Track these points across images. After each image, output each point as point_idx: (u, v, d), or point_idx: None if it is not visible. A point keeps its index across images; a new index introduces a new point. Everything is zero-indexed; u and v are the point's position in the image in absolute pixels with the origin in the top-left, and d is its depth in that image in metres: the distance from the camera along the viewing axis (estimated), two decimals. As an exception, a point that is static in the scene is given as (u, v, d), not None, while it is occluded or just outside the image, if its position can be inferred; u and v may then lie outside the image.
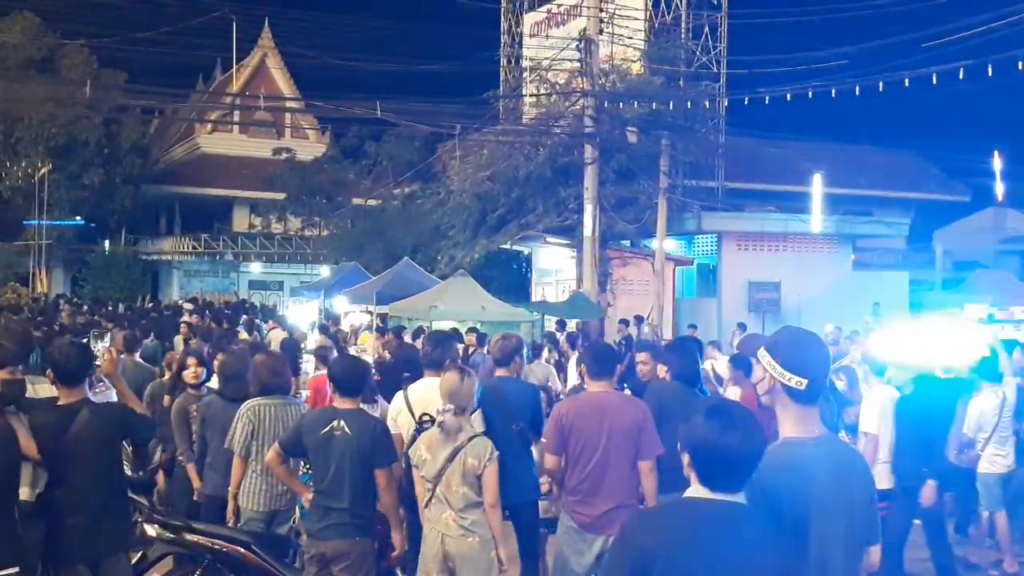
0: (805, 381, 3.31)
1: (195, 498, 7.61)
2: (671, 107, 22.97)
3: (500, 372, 7.06)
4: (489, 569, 5.69)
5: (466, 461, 5.62)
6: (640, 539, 2.98)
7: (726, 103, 27.62)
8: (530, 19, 31.74)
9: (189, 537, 6.54)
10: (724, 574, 2.85)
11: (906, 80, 17.76)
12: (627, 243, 25.04)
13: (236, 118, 43.35)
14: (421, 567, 5.78)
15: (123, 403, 5.85)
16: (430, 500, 5.72)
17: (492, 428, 6.20)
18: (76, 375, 5.51)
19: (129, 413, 5.71)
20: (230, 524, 6.86)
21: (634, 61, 25.73)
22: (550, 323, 20.32)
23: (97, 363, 6.11)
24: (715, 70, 27.75)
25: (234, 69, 47.22)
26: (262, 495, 6.75)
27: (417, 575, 5.85)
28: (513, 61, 31.33)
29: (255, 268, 45.19)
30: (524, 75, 28.90)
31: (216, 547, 6.50)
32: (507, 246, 26.48)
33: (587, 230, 22.69)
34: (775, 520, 3.06)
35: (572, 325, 19.76)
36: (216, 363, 8.29)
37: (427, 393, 6.57)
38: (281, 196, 41.78)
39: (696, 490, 3.00)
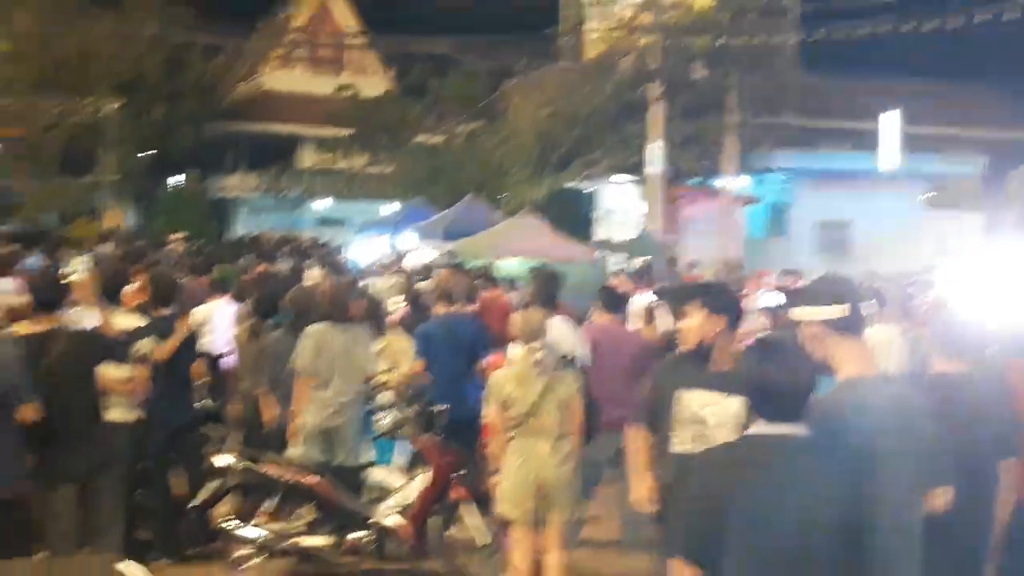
0: (847, 307, 3.35)
1: (265, 428, 7.71)
2: (740, 42, 22.45)
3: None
4: (576, 494, 6.00)
5: (559, 391, 5.82)
6: (706, 478, 3.04)
7: (798, 38, 26.90)
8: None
9: (261, 468, 6.62)
10: (789, 503, 2.87)
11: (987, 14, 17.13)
12: (695, 181, 24.69)
13: (300, 55, 43.35)
14: (510, 498, 5.83)
15: (97, 328, 5.91)
16: (517, 433, 5.84)
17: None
18: (51, 302, 5.62)
19: (104, 338, 5.75)
20: (291, 441, 7.01)
21: (703, -6, 25.17)
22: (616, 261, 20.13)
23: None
24: (786, 3, 27.05)
25: (296, 4, 47.11)
26: (320, 413, 6.96)
27: (501, 504, 5.85)
28: (578, -5, 30.76)
29: (321, 205, 45.41)
30: (587, 10, 28.38)
31: (287, 478, 6.57)
32: (572, 184, 26.24)
33: (653, 168, 22.39)
34: (842, 456, 3.06)
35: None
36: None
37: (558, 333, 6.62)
38: (346, 133, 41.81)
39: (756, 426, 3.04)
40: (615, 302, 7.90)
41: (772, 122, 26.55)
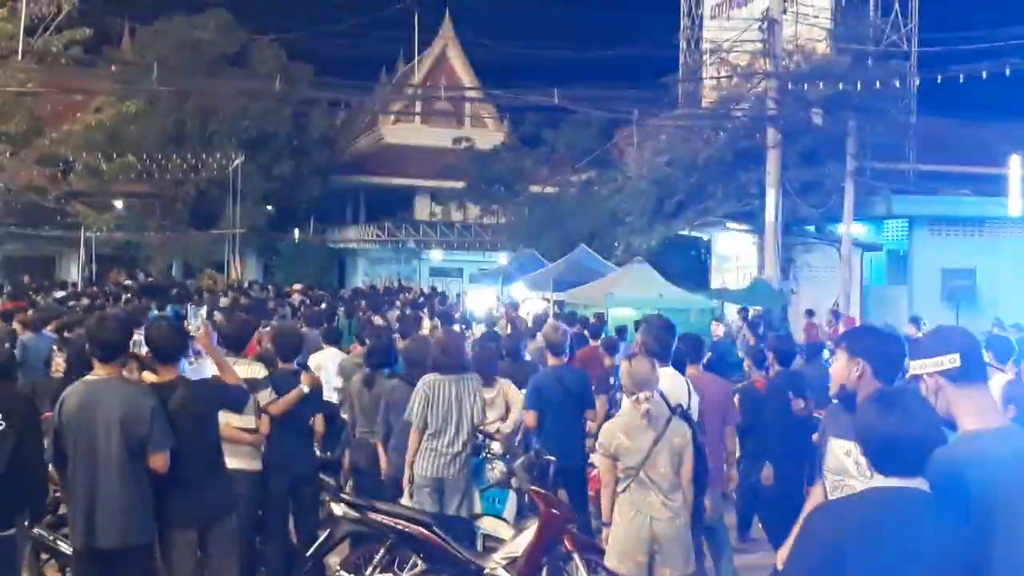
0: (956, 356, 3.24)
1: (381, 477, 7.80)
2: (859, 87, 22.09)
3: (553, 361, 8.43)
4: (689, 549, 5.85)
5: (672, 441, 5.76)
6: (825, 531, 2.96)
7: (917, 82, 26.33)
8: (710, 0, 31.12)
9: (373, 516, 6.69)
10: (910, 561, 2.79)
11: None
12: (811, 228, 24.29)
13: (418, 108, 44.28)
14: (621, 551, 5.76)
15: (216, 377, 5.99)
16: (628, 485, 5.77)
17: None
18: (172, 354, 5.71)
19: (221, 387, 5.85)
20: (407, 489, 7.09)
21: (819, 41, 24.90)
22: (730, 311, 19.91)
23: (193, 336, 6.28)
24: (905, 48, 26.57)
25: (416, 60, 48.16)
26: (432, 462, 7.02)
27: (611, 558, 5.80)
28: (693, 44, 30.77)
29: (436, 255, 46.08)
30: (704, 58, 28.32)
31: (399, 527, 6.62)
32: (685, 232, 26.07)
33: (769, 215, 22.13)
34: (961, 513, 2.96)
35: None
36: (400, 348, 8.48)
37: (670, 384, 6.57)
38: (461, 184, 42.42)
39: (875, 480, 2.97)
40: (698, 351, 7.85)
41: (891, 167, 25.99)
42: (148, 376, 5.95)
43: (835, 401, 4.62)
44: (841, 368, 4.27)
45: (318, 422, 7.52)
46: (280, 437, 6.97)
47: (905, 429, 2.90)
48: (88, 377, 5.45)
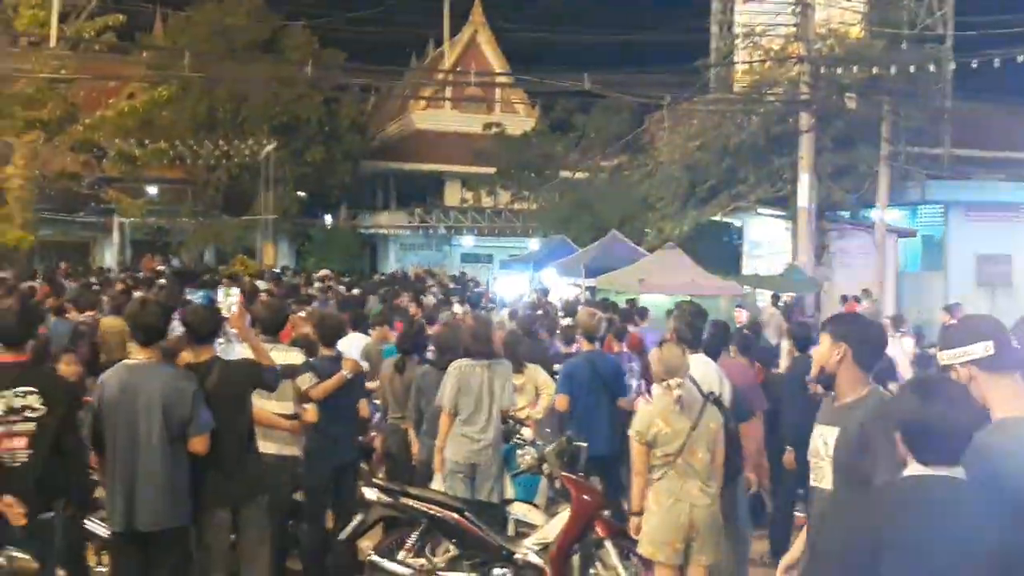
0: (990, 343, 3.27)
1: (412, 463, 7.83)
2: (893, 71, 21.85)
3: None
4: (721, 535, 5.91)
5: (709, 427, 5.79)
6: (862, 519, 2.96)
7: (953, 66, 26.03)
8: (743, -16, 30.82)
9: (405, 501, 6.72)
10: (948, 549, 2.78)
11: None
12: (845, 214, 24.10)
13: (448, 94, 44.21)
14: (658, 539, 5.75)
15: (249, 358, 6.01)
16: (665, 472, 5.76)
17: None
18: (207, 335, 5.78)
19: (254, 367, 5.88)
20: (439, 475, 7.13)
21: (853, 24, 24.65)
22: (763, 296, 19.80)
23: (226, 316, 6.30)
24: (940, 31, 26.26)
25: (446, 45, 48.11)
26: (463, 448, 7.05)
27: (646, 545, 5.78)
28: (725, 28, 30.53)
29: (467, 241, 46.12)
30: (736, 42, 28.10)
31: (432, 512, 6.65)
32: (717, 218, 25.93)
33: (802, 200, 21.96)
34: (996, 500, 2.95)
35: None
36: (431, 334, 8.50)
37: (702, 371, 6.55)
38: (491, 170, 42.41)
39: (912, 467, 2.95)
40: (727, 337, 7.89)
41: (926, 152, 25.72)
42: (182, 358, 6.01)
43: (820, 387, 4.64)
44: (824, 352, 4.27)
45: (362, 408, 7.54)
46: (325, 423, 7.01)
47: (948, 418, 2.88)
48: (128, 361, 5.51)
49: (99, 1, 27.91)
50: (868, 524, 2.92)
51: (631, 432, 5.95)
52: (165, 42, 40.23)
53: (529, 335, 9.97)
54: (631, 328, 11.93)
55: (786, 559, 4.61)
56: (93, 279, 22.52)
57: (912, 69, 21.47)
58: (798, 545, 4.59)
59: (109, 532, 5.49)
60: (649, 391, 7.27)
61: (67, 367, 7.00)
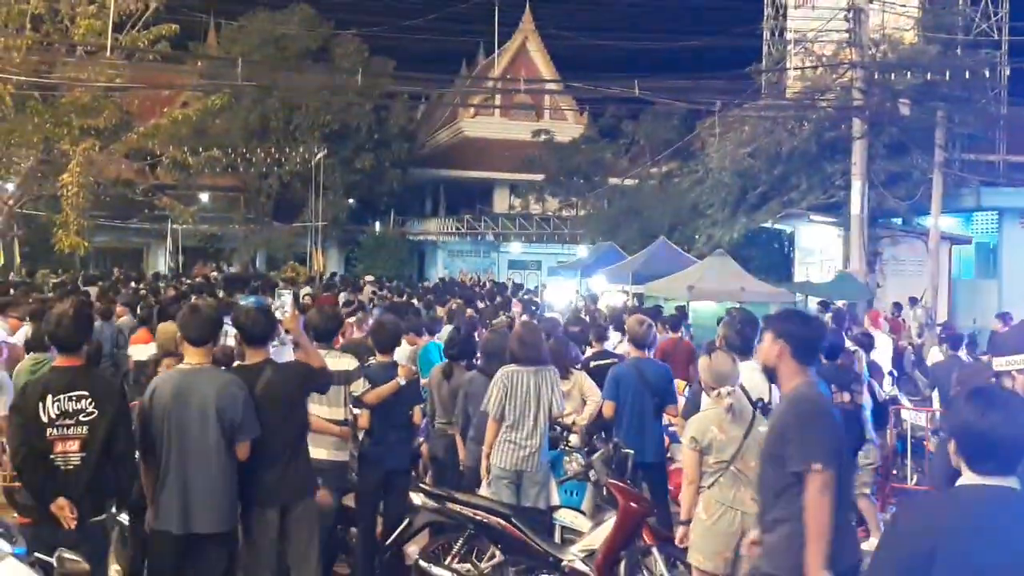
0: None
1: (459, 468, 7.84)
2: (947, 77, 21.55)
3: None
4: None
5: (759, 435, 5.60)
6: (915, 528, 2.95)
7: (1008, 71, 25.62)
8: (795, -11, 30.59)
9: (452, 507, 6.73)
10: (1002, 560, 2.76)
11: None
12: (898, 221, 23.80)
13: (497, 102, 44.29)
14: (710, 548, 5.68)
15: (302, 361, 6.01)
16: (717, 480, 5.69)
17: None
18: (261, 337, 5.81)
19: (308, 369, 5.89)
20: (485, 480, 7.11)
21: (907, 30, 24.35)
22: (813, 304, 19.59)
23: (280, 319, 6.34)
24: (996, 37, 25.87)
25: (496, 53, 48.24)
26: (510, 455, 7.02)
27: (697, 553, 5.73)
28: (777, 34, 30.32)
29: (514, 248, 46.18)
30: (788, 48, 27.89)
31: (478, 517, 6.65)
32: (768, 224, 25.73)
33: (855, 207, 21.74)
34: None
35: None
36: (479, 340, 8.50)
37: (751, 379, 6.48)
38: (540, 177, 42.42)
39: (967, 477, 2.92)
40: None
41: (980, 158, 25.32)
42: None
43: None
44: (765, 348, 4.47)
45: (416, 415, 7.58)
46: (379, 429, 7.06)
47: (1006, 429, 2.85)
48: (181, 365, 5.57)
49: (154, 11, 28.31)
50: (921, 536, 2.89)
51: (684, 439, 5.90)
52: (218, 51, 40.77)
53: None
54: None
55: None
56: (142, 285, 22.84)
57: (967, 75, 21.17)
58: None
59: (150, 532, 5.52)
60: None
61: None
